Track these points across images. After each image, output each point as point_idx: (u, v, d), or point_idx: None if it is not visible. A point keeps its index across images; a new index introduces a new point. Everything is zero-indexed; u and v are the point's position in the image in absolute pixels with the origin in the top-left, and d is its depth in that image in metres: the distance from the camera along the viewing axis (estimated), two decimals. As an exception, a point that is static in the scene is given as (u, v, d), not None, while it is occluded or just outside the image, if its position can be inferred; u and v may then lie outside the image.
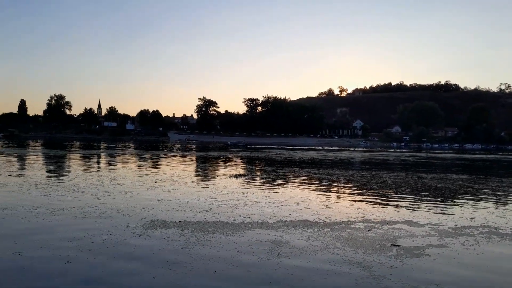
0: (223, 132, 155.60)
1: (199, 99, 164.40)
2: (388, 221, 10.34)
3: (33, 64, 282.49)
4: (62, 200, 12.19)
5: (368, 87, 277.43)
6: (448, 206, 13.36)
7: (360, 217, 10.79)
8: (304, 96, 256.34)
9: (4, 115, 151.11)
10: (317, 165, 32.19)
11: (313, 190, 16.45)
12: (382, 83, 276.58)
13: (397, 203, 13.59)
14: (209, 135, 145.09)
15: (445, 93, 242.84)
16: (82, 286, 5.67)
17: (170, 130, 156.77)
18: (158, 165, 28.94)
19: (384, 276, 6.21)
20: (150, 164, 29.54)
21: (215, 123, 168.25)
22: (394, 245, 7.97)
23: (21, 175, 18.71)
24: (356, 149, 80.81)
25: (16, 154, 36.47)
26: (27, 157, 33.44)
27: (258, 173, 24.92)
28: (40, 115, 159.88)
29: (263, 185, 17.51)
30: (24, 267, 6.21)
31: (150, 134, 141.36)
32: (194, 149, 58.81)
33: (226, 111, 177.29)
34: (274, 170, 25.53)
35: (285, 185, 17.68)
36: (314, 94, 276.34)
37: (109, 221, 9.51)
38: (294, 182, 19.14)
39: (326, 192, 16.13)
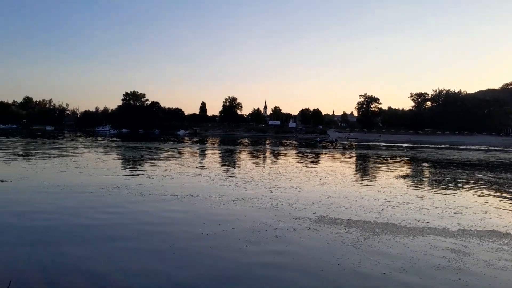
0: (385, 130, 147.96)
1: (359, 95, 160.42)
2: None
3: (211, 69, 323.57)
4: (240, 191, 13.85)
5: None
6: None
7: None
8: (484, 89, 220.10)
9: (189, 115, 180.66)
10: (481, 167, 27.63)
11: (502, 197, 14.14)
12: None
13: None
14: (371, 132, 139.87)
15: None
16: (255, 269, 6.35)
17: (329, 128, 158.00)
18: (320, 162, 29.64)
19: None
20: (311, 161, 30.52)
21: (377, 120, 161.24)
22: None
23: (205, 168, 21.95)
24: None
25: (198, 150, 42.98)
26: (208, 152, 39.18)
27: (425, 174, 22.89)
28: (216, 115, 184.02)
29: (436, 188, 15.97)
30: (211, 247, 7.32)
31: (310, 132, 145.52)
32: (353, 147, 57.80)
33: (389, 108, 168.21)
34: (443, 172, 22.95)
35: (462, 190, 15.71)
36: (496, 85, 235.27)
37: (280, 212, 10.34)
38: (472, 186, 16.82)
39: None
